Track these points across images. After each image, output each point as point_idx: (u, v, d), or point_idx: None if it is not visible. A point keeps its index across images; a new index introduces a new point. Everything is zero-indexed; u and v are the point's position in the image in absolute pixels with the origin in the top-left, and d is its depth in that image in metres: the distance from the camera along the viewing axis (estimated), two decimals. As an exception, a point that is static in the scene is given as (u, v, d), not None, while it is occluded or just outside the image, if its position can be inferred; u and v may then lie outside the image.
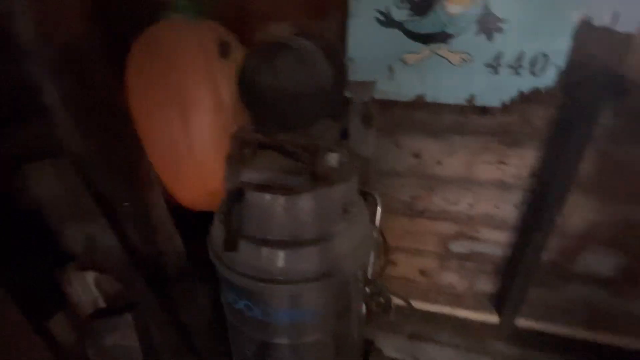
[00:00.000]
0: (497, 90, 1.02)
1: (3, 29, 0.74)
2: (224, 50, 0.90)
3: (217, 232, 0.81)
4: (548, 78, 0.97)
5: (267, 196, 0.66)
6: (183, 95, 0.86)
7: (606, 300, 1.36)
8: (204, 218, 0.99)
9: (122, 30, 0.91)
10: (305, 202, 0.67)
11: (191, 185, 0.98)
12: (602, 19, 0.87)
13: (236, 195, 0.68)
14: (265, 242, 0.72)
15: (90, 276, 0.78)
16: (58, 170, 0.83)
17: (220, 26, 0.98)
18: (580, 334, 1.38)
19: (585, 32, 0.90)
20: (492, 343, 1.43)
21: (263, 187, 0.66)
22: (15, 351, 0.66)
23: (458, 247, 1.45)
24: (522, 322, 1.43)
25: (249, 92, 0.62)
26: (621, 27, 0.87)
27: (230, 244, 0.72)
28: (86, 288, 0.77)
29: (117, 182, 0.88)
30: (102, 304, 0.76)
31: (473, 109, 1.15)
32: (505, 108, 1.08)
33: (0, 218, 0.67)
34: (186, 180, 0.97)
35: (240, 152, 0.70)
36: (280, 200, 0.66)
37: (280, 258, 0.72)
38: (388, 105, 1.20)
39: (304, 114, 0.63)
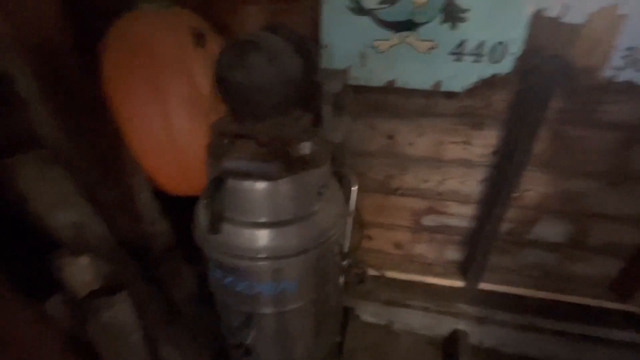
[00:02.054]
0: (460, 76, 1.10)
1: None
2: (198, 40, 0.92)
3: (201, 216, 0.87)
4: (506, 65, 1.05)
5: (246, 183, 0.72)
6: (161, 85, 0.89)
7: (555, 264, 1.53)
8: (188, 200, 1.05)
9: (93, 21, 0.91)
10: (281, 187, 0.74)
11: (172, 173, 1.02)
12: (553, 10, 0.95)
13: (217, 183, 0.74)
14: (247, 224, 0.79)
15: (84, 260, 0.83)
16: (40, 161, 0.86)
17: (193, 14, 0.99)
18: (533, 293, 1.56)
19: (538, 22, 0.97)
20: (458, 305, 1.59)
21: (243, 174, 0.72)
22: (14, 333, 0.71)
23: (428, 221, 1.57)
24: (484, 286, 1.59)
25: (224, 87, 0.66)
26: (570, 19, 0.95)
27: (214, 228, 0.78)
28: (80, 271, 0.83)
29: (99, 170, 0.91)
30: (96, 285, 0.82)
31: (439, 94, 1.22)
32: (469, 93, 1.16)
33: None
34: (167, 167, 1.01)
35: (219, 142, 0.75)
36: (258, 186, 0.72)
37: (261, 237, 0.80)
38: (362, 90, 1.26)
39: (276, 106, 0.69)
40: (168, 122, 0.91)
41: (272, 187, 0.72)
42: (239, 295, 0.91)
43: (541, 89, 1.07)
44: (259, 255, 0.81)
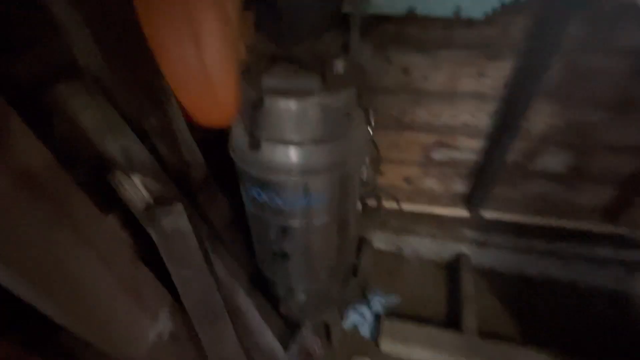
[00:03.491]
0: (481, 2, 1.10)
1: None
2: (225, -37, 0.92)
3: (239, 137, 0.95)
4: (528, -12, 1.05)
5: (288, 100, 0.78)
6: (192, 11, 0.90)
7: (556, 192, 1.64)
8: (214, 135, 1.12)
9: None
10: (320, 103, 0.80)
11: (201, 102, 1.07)
12: None
13: (259, 101, 0.80)
14: (285, 142, 0.87)
15: (137, 178, 0.92)
16: (85, 89, 0.91)
17: None
18: (532, 220, 1.70)
19: (566, -60, 0.96)
20: (462, 231, 1.74)
21: (282, 93, 0.78)
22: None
23: (438, 155, 1.66)
24: (487, 214, 1.73)
25: (267, 9, 0.69)
26: None
27: (255, 144, 0.86)
28: (134, 188, 0.92)
29: (139, 98, 0.97)
30: (150, 200, 0.92)
31: (459, 22, 1.23)
32: (488, 21, 1.17)
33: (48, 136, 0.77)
34: (198, 96, 1.05)
35: (257, 64, 0.80)
36: (299, 102, 0.79)
37: (298, 154, 0.88)
38: (381, 20, 1.26)
39: (314, 27, 0.72)
40: (200, 49, 0.94)
41: (311, 103, 0.79)
42: (275, 210, 1.02)
43: (560, 14, 1.08)
44: (296, 171, 0.90)
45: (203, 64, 0.98)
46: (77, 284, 0.74)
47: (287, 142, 0.86)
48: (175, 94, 1.04)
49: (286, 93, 0.78)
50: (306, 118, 0.82)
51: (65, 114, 0.88)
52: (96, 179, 0.93)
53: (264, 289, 1.39)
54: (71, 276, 0.72)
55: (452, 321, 1.53)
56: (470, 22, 1.23)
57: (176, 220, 0.85)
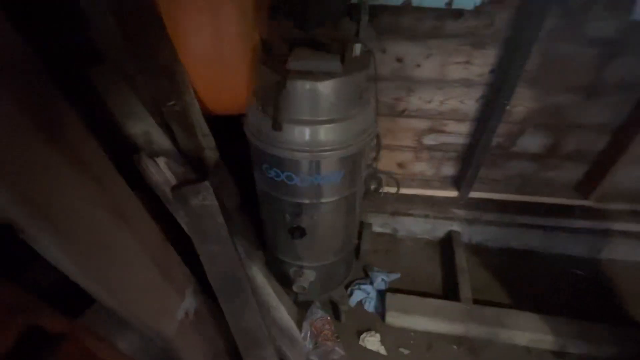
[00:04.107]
0: (472, -6, 1.21)
1: None
2: (240, -46, 0.96)
3: (257, 120, 1.00)
4: (512, -18, 1.17)
5: (311, 82, 0.85)
6: (212, 2, 0.94)
7: (533, 171, 1.80)
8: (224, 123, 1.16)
9: None
10: (338, 85, 0.87)
11: (219, 88, 1.11)
12: None
13: (282, 83, 0.86)
14: (306, 122, 0.93)
15: (161, 160, 0.95)
16: (110, 74, 0.93)
17: None
18: (515, 197, 1.84)
19: (544, -61, 1.08)
20: (452, 210, 1.87)
21: (306, 75, 0.84)
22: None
23: (429, 140, 1.77)
24: (474, 194, 1.86)
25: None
26: None
27: (278, 125, 0.92)
28: (160, 171, 0.95)
29: (158, 84, 0.99)
30: (174, 182, 0.96)
31: (450, 13, 1.34)
32: (475, 13, 1.29)
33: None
34: (213, 81, 1.10)
35: (279, 48, 0.86)
36: (320, 84, 0.85)
37: (318, 133, 0.94)
38: (378, 10, 1.34)
39: (335, 11, 0.79)
40: (218, 34, 0.98)
41: (334, 84, 0.85)
42: (292, 189, 1.08)
43: (539, 6, 1.21)
44: (315, 149, 0.96)
45: (220, 49, 1.03)
46: (115, 258, 0.77)
47: (308, 122, 0.92)
48: (191, 79, 1.08)
49: (310, 75, 0.84)
50: (327, 98, 0.89)
51: (99, 97, 0.90)
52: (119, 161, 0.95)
53: (272, 269, 1.44)
54: (110, 249, 0.75)
55: (448, 292, 1.66)
56: (459, 14, 1.34)
57: (205, 198, 0.89)
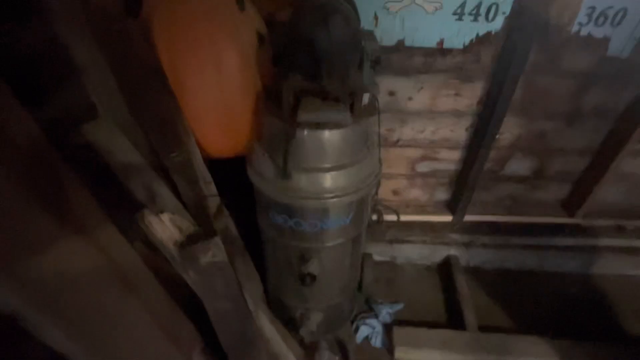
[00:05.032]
0: (461, 34, 1.27)
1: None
2: (240, 3, 0.97)
3: (264, 167, 0.98)
4: (498, 23, 1.24)
5: (322, 132, 0.84)
6: (214, 46, 0.93)
7: (523, 192, 1.87)
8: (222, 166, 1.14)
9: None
10: (348, 134, 0.87)
11: (220, 132, 1.09)
12: (536, -25, 1.14)
13: (292, 134, 0.85)
14: (316, 170, 0.92)
15: (165, 216, 0.90)
16: (107, 128, 0.88)
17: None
18: (506, 219, 1.90)
19: (525, -14, 1.16)
20: (449, 235, 1.89)
21: (317, 125, 0.84)
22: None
23: (422, 167, 1.80)
24: (468, 217, 1.90)
25: (305, 47, 0.75)
26: (549, -17, 1.15)
27: (287, 174, 0.90)
28: (163, 226, 0.90)
29: (158, 136, 0.96)
30: (180, 238, 0.91)
31: (438, 51, 1.39)
32: (465, 49, 1.35)
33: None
34: (216, 127, 1.07)
35: (287, 97, 0.85)
36: (331, 134, 0.85)
37: (327, 180, 0.93)
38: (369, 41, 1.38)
39: (346, 62, 0.80)
40: (221, 82, 0.97)
41: (344, 134, 0.85)
42: (299, 234, 1.05)
43: (523, 44, 1.28)
44: (324, 195, 0.95)
45: (223, 96, 1.01)
46: (123, 334, 0.71)
47: (318, 170, 0.91)
48: (192, 125, 1.05)
49: (320, 125, 0.84)
50: (336, 146, 0.89)
51: (97, 151, 0.85)
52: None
53: (276, 311, 1.39)
54: (119, 327, 0.70)
55: (453, 320, 1.65)
56: (448, 51, 1.39)
57: (215, 255, 0.85)
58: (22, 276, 0.48)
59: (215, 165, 1.16)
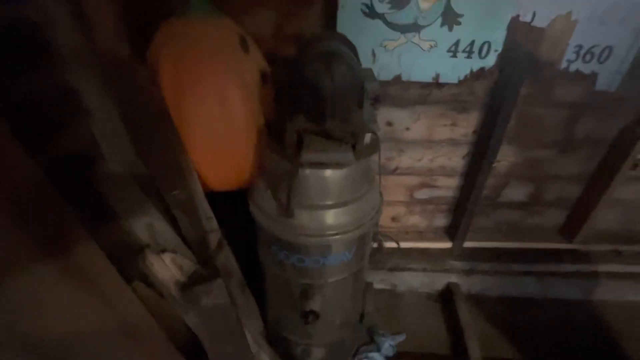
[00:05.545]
0: (455, 70, 1.32)
1: (43, 38, 0.75)
2: (244, 46, 1.00)
3: (266, 204, 0.98)
4: (490, 60, 1.29)
5: (324, 172, 0.85)
6: (218, 83, 0.95)
7: (520, 218, 1.89)
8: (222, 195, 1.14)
9: (140, 28, 0.94)
10: (350, 174, 0.88)
11: (223, 166, 1.10)
12: (526, 17, 1.20)
13: (295, 174, 0.85)
14: (319, 207, 0.92)
15: (167, 256, 0.89)
16: (112, 170, 0.89)
17: (231, 20, 1.06)
18: (504, 245, 1.91)
19: (515, 26, 1.22)
20: (448, 262, 1.88)
21: (319, 165, 0.85)
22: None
23: (421, 194, 1.82)
24: (468, 244, 1.90)
25: (308, 91, 0.78)
26: (537, 23, 1.21)
27: (289, 212, 0.90)
28: (165, 267, 0.89)
29: (162, 175, 0.96)
30: (182, 279, 0.89)
31: (434, 84, 1.44)
32: (459, 83, 1.39)
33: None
34: (217, 161, 1.08)
35: (296, 138, 0.87)
36: (333, 174, 0.86)
37: (329, 217, 0.94)
38: (369, 80, 1.42)
39: (349, 105, 0.82)
40: (226, 119, 0.98)
41: (346, 173, 0.86)
42: (302, 271, 1.04)
43: (515, 78, 1.33)
44: (327, 232, 0.95)
45: (226, 131, 1.02)
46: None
47: (320, 208, 0.92)
48: (194, 160, 1.05)
49: (323, 165, 0.85)
50: (339, 184, 0.89)
51: (100, 194, 0.85)
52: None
53: (276, 346, 1.35)
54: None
55: (456, 351, 1.62)
56: (443, 84, 1.44)
57: (218, 296, 0.84)
58: (25, 337, 0.47)
59: (215, 193, 1.15)
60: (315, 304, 1.03)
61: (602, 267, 1.85)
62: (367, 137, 0.88)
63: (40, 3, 0.74)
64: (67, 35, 0.76)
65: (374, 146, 0.95)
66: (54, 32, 0.75)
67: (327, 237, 0.95)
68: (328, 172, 0.87)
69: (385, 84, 1.44)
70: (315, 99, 0.77)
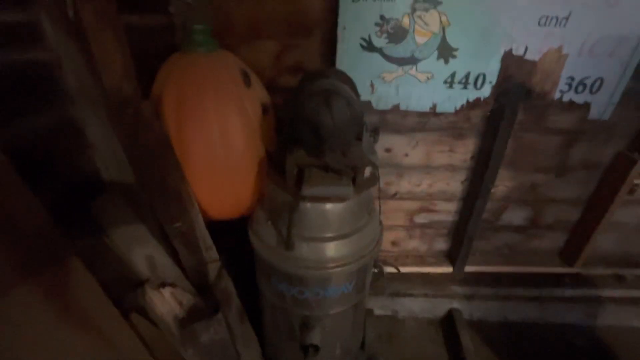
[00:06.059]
0: (452, 100, 1.35)
1: (50, 76, 0.77)
2: (246, 80, 1.03)
3: (266, 233, 0.98)
4: (486, 91, 1.33)
5: (325, 206, 0.86)
6: (220, 115, 0.98)
7: (519, 241, 1.88)
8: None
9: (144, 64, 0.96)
10: (351, 206, 0.89)
11: (224, 196, 1.11)
12: (519, 50, 1.25)
13: (296, 207, 0.86)
14: (317, 239, 0.93)
15: (166, 291, 0.88)
16: (113, 203, 0.89)
17: (233, 54, 1.09)
18: (506, 269, 1.90)
19: (508, 59, 1.27)
20: (450, 287, 1.86)
21: (320, 199, 0.86)
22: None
23: (420, 218, 1.82)
24: (468, 268, 1.89)
25: (308, 127, 0.80)
26: (530, 56, 1.26)
27: (290, 245, 0.91)
28: (164, 301, 0.88)
29: (164, 207, 0.97)
30: (181, 314, 0.88)
31: (431, 113, 1.47)
32: (456, 112, 1.43)
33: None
34: (218, 191, 1.09)
35: (296, 172, 0.88)
36: (334, 207, 0.87)
37: (330, 249, 0.94)
38: (368, 112, 1.45)
39: (348, 139, 0.84)
40: (227, 152, 1.00)
41: (346, 206, 0.87)
42: (302, 302, 1.03)
43: (510, 107, 1.37)
44: (328, 264, 0.95)
45: (227, 162, 1.04)
46: None
47: (320, 240, 0.92)
48: (195, 189, 1.06)
49: (324, 199, 0.86)
50: (339, 217, 0.90)
51: (100, 226, 0.85)
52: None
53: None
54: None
55: (459, 381, 1.58)
56: (439, 113, 1.47)
57: (217, 332, 0.83)
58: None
59: (216, 221, 1.16)
60: (315, 336, 1.02)
61: (605, 292, 1.83)
62: (367, 171, 0.90)
63: (51, 45, 0.77)
64: (75, 74, 0.79)
65: (374, 179, 0.96)
66: (63, 71, 0.77)
67: (327, 269, 0.95)
68: (328, 206, 0.88)
69: (384, 112, 1.47)
70: (315, 134, 0.79)
